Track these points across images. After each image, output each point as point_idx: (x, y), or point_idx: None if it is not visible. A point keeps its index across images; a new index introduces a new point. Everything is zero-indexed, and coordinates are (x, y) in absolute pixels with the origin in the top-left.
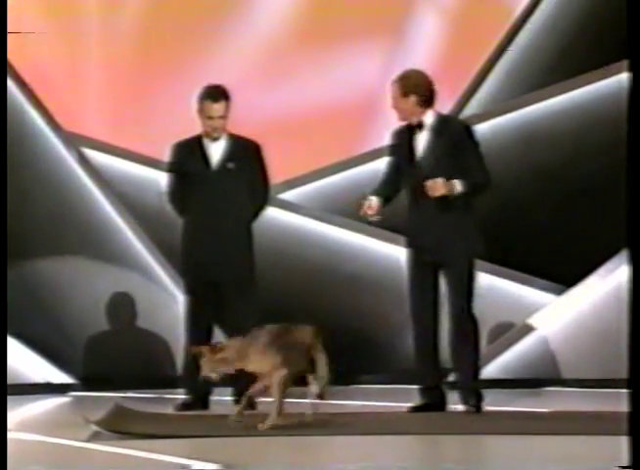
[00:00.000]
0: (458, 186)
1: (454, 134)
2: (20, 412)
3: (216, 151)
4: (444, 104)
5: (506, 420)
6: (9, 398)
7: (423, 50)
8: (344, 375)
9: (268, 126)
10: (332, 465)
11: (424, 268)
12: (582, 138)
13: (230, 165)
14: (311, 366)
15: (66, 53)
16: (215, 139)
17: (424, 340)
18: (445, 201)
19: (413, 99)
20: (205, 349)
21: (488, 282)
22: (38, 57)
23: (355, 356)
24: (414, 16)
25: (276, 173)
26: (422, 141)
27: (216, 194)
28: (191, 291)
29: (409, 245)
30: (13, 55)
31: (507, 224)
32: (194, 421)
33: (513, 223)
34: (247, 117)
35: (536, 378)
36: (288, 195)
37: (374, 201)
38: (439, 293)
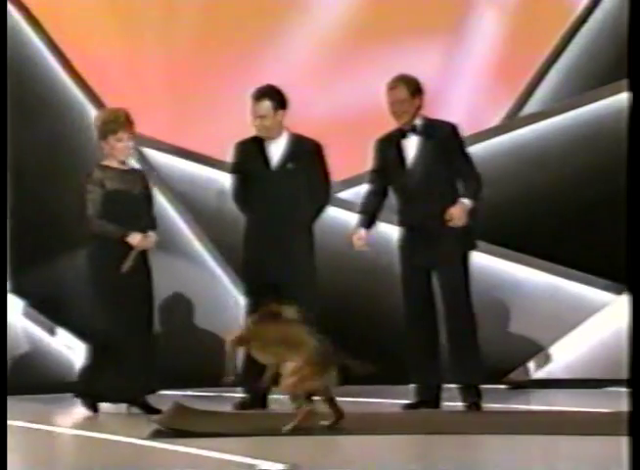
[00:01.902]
0: (468, 204)
1: (443, 137)
2: (80, 410)
3: (276, 151)
4: (504, 102)
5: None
6: (69, 395)
7: (482, 48)
8: (403, 375)
9: (326, 125)
10: (395, 465)
11: (417, 271)
12: None
13: (290, 166)
14: None
15: (126, 53)
16: (274, 139)
17: (423, 338)
18: (434, 203)
19: (418, 101)
20: None
21: (550, 282)
22: (99, 57)
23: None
24: (473, 13)
25: (334, 172)
26: (412, 146)
27: (276, 194)
28: (251, 292)
29: (401, 249)
30: (74, 54)
31: (568, 224)
32: (253, 419)
33: (574, 223)
34: (305, 116)
35: (599, 378)
36: (346, 194)
37: (362, 231)
38: (434, 293)
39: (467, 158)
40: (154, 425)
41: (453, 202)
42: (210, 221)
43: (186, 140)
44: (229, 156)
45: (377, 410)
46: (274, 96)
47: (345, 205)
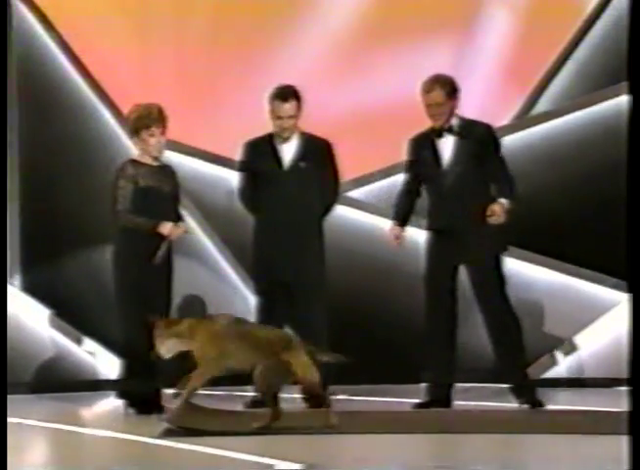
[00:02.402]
0: (507, 203)
1: (479, 137)
2: (91, 409)
3: (288, 150)
4: (514, 101)
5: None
6: (83, 394)
7: (493, 46)
8: (413, 373)
9: (337, 124)
10: (410, 463)
11: (444, 271)
12: None
13: (302, 165)
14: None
15: (137, 51)
16: (287, 138)
17: (439, 338)
18: (468, 203)
19: (454, 101)
20: (161, 321)
21: (560, 281)
22: (110, 56)
23: (423, 355)
24: (484, 12)
25: (345, 171)
26: (448, 146)
27: (288, 193)
28: (262, 291)
29: (432, 246)
30: (85, 53)
31: (579, 222)
32: (263, 418)
33: (584, 221)
34: (316, 115)
35: (609, 377)
36: (356, 193)
37: (398, 230)
38: (457, 293)
39: (501, 159)
40: (164, 423)
41: (485, 203)
42: (221, 220)
43: (197, 139)
44: (239, 154)
45: (387, 409)
46: (298, 96)
47: (356, 204)
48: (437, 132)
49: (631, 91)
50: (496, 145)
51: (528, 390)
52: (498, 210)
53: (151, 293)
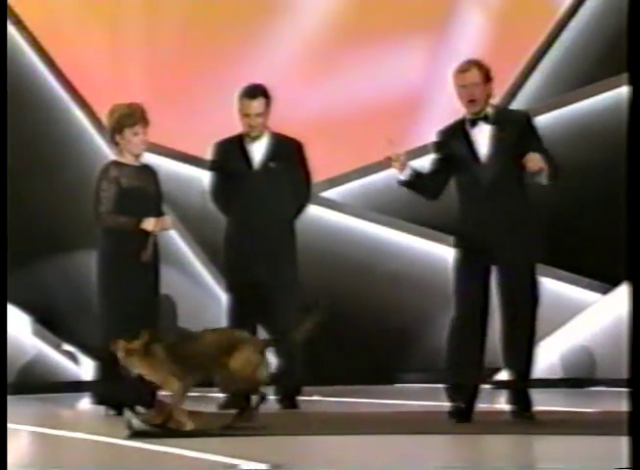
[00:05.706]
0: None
1: (518, 126)
2: (65, 410)
3: (258, 150)
4: None
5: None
6: (57, 396)
7: (467, 47)
8: (387, 374)
9: (311, 125)
10: (377, 464)
11: (475, 269)
12: None
13: (272, 165)
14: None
15: (109, 51)
16: (256, 138)
17: (466, 339)
18: (506, 204)
19: (490, 86)
20: (120, 343)
21: None
22: (81, 57)
23: (397, 355)
24: (458, 13)
25: (319, 171)
26: (483, 137)
27: (259, 193)
28: (234, 291)
29: (461, 244)
30: (57, 53)
31: (552, 222)
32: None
33: (558, 221)
34: (289, 116)
35: (581, 378)
36: (330, 193)
37: (403, 157)
38: (489, 294)
39: (544, 149)
40: (136, 425)
41: (523, 200)
42: (194, 220)
43: (170, 139)
44: (210, 154)
45: (357, 410)
46: (266, 94)
47: (329, 204)
48: (471, 121)
49: (631, 83)
50: (537, 134)
51: (524, 397)
52: (535, 156)
53: (138, 293)
